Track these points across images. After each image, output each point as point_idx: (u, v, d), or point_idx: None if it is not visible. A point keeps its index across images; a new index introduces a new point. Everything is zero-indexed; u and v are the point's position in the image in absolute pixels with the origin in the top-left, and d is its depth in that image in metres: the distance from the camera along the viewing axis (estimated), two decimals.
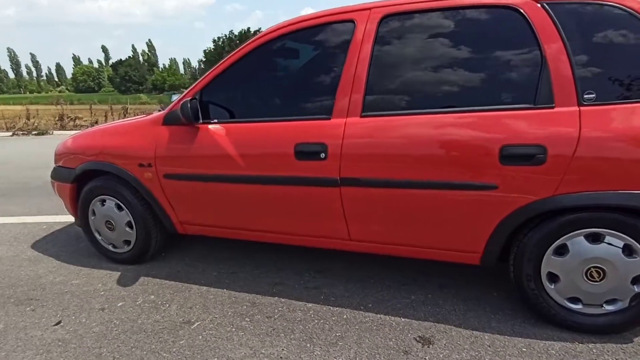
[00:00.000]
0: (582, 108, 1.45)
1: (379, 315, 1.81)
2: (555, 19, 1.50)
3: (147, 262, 2.44)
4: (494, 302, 1.88)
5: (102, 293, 2.12)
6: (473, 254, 1.73)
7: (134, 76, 61.32)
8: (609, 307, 1.57)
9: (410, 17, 1.69)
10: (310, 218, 1.90)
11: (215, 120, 1.97)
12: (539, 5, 1.52)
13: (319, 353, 1.59)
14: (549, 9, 1.51)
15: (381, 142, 1.68)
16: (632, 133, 1.39)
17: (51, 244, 2.82)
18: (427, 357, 1.54)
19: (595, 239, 1.53)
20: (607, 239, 1.50)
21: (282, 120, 1.85)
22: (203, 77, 2.02)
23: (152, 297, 2.07)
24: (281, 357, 1.57)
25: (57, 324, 1.85)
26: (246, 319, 1.84)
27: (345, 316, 1.83)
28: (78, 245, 2.79)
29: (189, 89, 2.07)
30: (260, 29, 52.19)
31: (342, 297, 1.98)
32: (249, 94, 2.02)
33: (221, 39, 50.38)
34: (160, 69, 64.16)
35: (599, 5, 1.48)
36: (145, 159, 2.13)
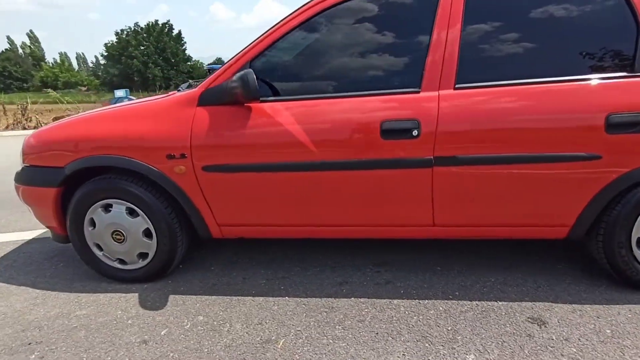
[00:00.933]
0: None
1: (474, 302, 1.70)
2: None
3: (166, 278, 2.00)
4: (567, 275, 1.89)
5: (130, 322, 1.66)
6: (562, 228, 1.70)
7: (15, 72, 52.28)
8: None
9: None
10: (393, 205, 1.70)
11: (276, 97, 1.65)
12: None
13: (445, 352, 1.42)
14: None
15: (482, 115, 1.56)
16: None
17: (13, 270, 2.17)
18: (553, 337, 1.47)
19: None
20: None
21: (362, 95, 1.62)
22: (253, 44, 1.68)
23: (201, 317, 1.68)
24: None
25: None
26: (337, 327, 1.58)
27: (441, 308, 1.68)
28: (54, 266, 2.19)
29: (233, 59, 1.70)
30: (169, 21, 48.43)
31: (422, 289, 1.82)
32: (318, 64, 1.72)
33: (125, 32, 45.72)
34: (51, 65, 55.62)
35: None
36: (176, 149, 1.71)
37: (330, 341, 1.50)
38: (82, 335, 1.59)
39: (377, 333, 1.53)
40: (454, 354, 1.40)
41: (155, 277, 1.96)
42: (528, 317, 1.59)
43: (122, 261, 1.94)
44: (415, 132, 1.57)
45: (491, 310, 1.65)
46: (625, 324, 1.53)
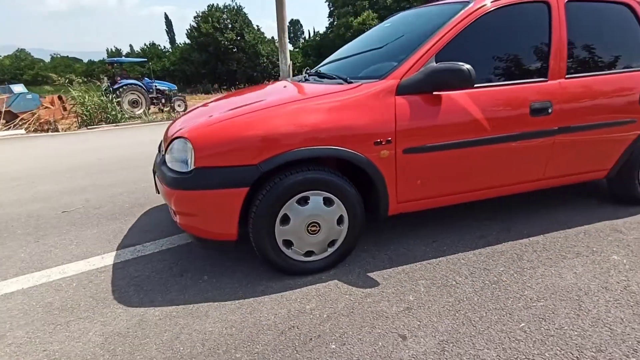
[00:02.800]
0: None
1: (577, 229, 2.40)
2: None
3: (341, 264, 2.08)
4: (603, 202, 2.79)
5: (370, 300, 1.77)
6: (603, 171, 2.55)
7: None
8: None
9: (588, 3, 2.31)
10: (524, 166, 2.26)
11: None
12: None
13: (599, 258, 2.05)
14: None
15: (588, 96, 2.25)
16: None
17: (160, 294, 1.89)
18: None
19: None
20: None
21: (516, 84, 2.11)
22: (435, 39, 1.98)
23: (423, 281, 1.90)
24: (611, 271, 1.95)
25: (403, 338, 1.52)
26: (525, 261, 2.04)
27: (562, 236, 2.32)
28: (200, 280, 2.00)
29: (417, 54, 1.95)
30: None
31: (534, 228, 2.42)
32: (489, 57, 2.11)
33: None
34: None
35: None
36: (383, 135, 1.87)
37: (535, 270, 1.96)
38: (348, 321, 1.63)
39: (552, 259, 2.07)
40: (604, 255, 2.07)
41: (336, 264, 2.04)
42: (611, 231, 2.37)
43: (311, 253, 1.95)
44: (549, 110, 2.16)
45: (586, 232, 2.38)
46: None
